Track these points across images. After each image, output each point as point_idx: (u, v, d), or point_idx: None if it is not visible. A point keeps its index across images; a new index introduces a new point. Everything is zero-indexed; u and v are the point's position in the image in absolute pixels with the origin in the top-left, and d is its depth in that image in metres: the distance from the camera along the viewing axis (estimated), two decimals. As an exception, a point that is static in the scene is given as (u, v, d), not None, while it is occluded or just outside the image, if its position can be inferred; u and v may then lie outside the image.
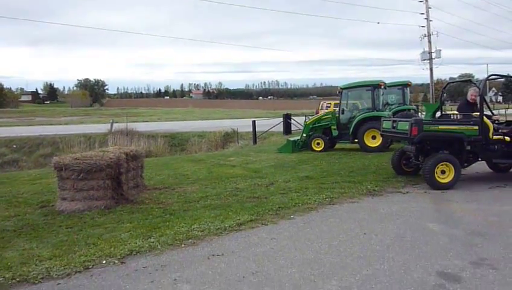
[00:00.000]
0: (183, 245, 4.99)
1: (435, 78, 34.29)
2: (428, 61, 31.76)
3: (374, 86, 13.57)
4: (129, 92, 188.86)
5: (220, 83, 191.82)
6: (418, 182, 8.32)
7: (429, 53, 31.59)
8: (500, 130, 8.25)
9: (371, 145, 13.15)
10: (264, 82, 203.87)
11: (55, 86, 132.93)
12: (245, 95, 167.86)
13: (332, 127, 14.04)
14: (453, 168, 7.71)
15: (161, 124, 32.22)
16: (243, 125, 23.86)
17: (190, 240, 5.13)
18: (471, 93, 8.63)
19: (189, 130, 25.62)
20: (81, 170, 6.76)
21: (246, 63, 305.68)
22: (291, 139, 14.90)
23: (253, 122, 20.79)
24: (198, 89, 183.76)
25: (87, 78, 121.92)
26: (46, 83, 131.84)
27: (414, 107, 16.97)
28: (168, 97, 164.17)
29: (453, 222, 5.74)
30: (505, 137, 8.10)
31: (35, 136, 22.55)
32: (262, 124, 22.11)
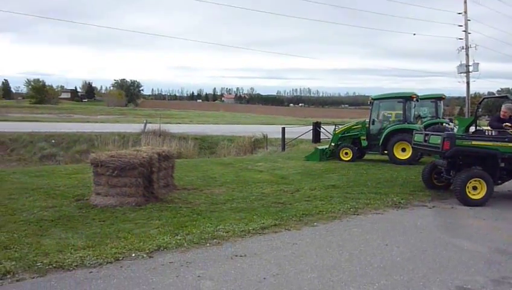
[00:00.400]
0: (208, 244, 5.19)
1: (472, 92, 33.50)
2: (465, 74, 30.98)
3: (406, 98, 13.45)
4: (163, 93, 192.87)
5: (252, 89, 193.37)
6: (446, 197, 8.23)
7: (466, 66, 30.79)
8: None
9: (401, 158, 13.03)
10: (296, 89, 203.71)
11: (93, 85, 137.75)
12: (276, 101, 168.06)
13: (362, 137, 14.00)
14: (485, 184, 7.54)
15: (193, 127, 32.81)
16: (273, 131, 24.02)
17: (215, 240, 5.33)
18: (503, 109, 8.47)
19: (219, 133, 25.99)
20: (116, 167, 7.10)
21: (278, 70, 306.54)
22: (320, 147, 14.95)
23: (283, 129, 20.91)
24: (230, 94, 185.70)
25: (124, 79, 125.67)
26: (85, 81, 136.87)
27: (447, 120, 16.62)
28: (200, 100, 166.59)
29: (477, 238, 5.69)
30: None
31: (72, 132, 23.47)
32: (292, 131, 22.20)
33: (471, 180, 7.55)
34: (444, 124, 15.52)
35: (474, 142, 7.78)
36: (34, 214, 6.43)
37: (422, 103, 16.24)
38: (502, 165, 7.83)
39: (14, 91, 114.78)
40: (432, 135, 8.55)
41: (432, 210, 7.29)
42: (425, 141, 8.62)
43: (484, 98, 11.50)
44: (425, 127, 14.76)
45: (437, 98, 16.60)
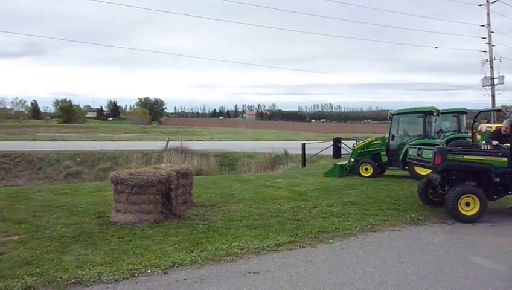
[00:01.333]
0: (222, 261, 5.26)
1: (498, 104, 32.66)
2: (490, 87, 30.36)
3: (426, 113, 13.30)
4: (186, 111, 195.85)
5: (274, 105, 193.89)
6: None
7: (491, 79, 30.18)
8: None
9: (421, 173, 12.78)
10: (317, 104, 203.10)
11: (118, 104, 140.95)
12: (298, 117, 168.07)
13: (382, 153, 13.88)
14: (478, 201, 7.39)
15: (213, 144, 33.14)
16: (294, 147, 24.02)
17: (229, 257, 5.40)
18: (505, 125, 8.33)
19: (240, 150, 26.16)
20: (135, 185, 7.28)
21: (300, 86, 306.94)
22: (339, 163, 14.87)
23: (303, 145, 20.90)
24: (251, 110, 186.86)
25: (147, 97, 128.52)
26: (110, 100, 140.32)
27: (470, 135, 16.29)
28: (222, 117, 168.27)
29: (497, 256, 5.57)
30: None
31: (97, 150, 24.08)
32: (313, 147, 22.16)
33: (463, 196, 7.40)
34: (466, 138, 15.22)
35: (466, 157, 7.63)
36: (56, 231, 6.65)
37: (445, 117, 16.02)
38: (497, 180, 7.65)
39: (42, 111, 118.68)
40: (425, 149, 8.43)
41: (451, 227, 7.16)
42: (418, 155, 8.50)
43: (480, 112, 11.34)
44: (447, 142, 14.54)
45: (459, 112, 16.34)
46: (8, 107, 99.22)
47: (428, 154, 7.95)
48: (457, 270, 4.97)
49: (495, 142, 7.95)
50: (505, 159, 7.48)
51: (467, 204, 7.42)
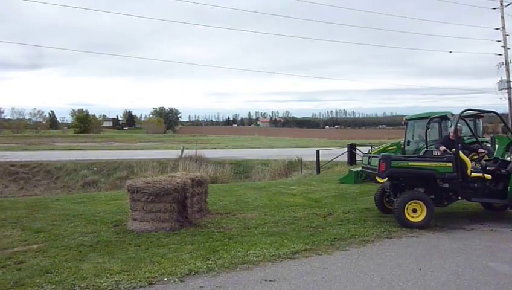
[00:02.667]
0: (238, 269, 5.25)
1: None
2: (506, 90, 29.84)
3: (441, 118, 13.15)
4: (200, 119, 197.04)
5: (287, 112, 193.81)
6: (484, 219, 7.93)
7: (507, 82, 29.63)
8: (487, 168, 7.84)
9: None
10: (331, 111, 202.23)
11: (133, 114, 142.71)
12: (311, 123, 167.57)
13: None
14: (424, 207, 7.31)
15: (228, 151, 33.26)
16: (308, 154, 23.96)
17: (245, 265, 5.39)
18: (451, 130, 8.30)
19: (254, 157, 26.20)
20: (151, 193, 7.34)
21: (313, 92, 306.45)
22: (354, 170, 14.77)
23: (317, 151, 20.82)
24: (265, 118, 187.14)
25: (162, 107, 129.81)
26: (126, 110, 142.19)
27: (487, 139, 16.00)
28: (236, 125, 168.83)
29: (518, 263, 5.44)
30: (485, 175, 7.60)
31: (113, 160, 24.39)
32: (327, 154, 22.06)
33: (410, 203, 7.32)
34: (483, 142, 14.96)
35: (410, 163, 7.58)
36: (74, 240, 6.74)
37: (460, 121, 15.78)
38: (446, 185, 7.58)
39: (60, 121, 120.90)
40: (373, 157, 8.36)
41: (470, 233, 7.04)
42: (368, 163, 8.43)
43: (431, 119, 11.29)
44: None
45: (475, 116, 16.07)
46: (27, 117, 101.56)
47: (375, 162, 7.88)
48: (477, 277, 4.87)
49: (442, 148, 7.96)
50: (450, 164, 7.41)
51: (414, 210, 7.35)
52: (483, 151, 8.72)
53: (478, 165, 8.11)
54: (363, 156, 9.24)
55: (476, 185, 7.62)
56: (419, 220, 7.30)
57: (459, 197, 7.73)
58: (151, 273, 5.00)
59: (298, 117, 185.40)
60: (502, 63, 29.73)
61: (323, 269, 5.23)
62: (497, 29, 30.46)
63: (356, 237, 6.75)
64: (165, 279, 4.87)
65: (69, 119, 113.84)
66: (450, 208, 8.97)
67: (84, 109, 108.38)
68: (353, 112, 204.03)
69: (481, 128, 15.98)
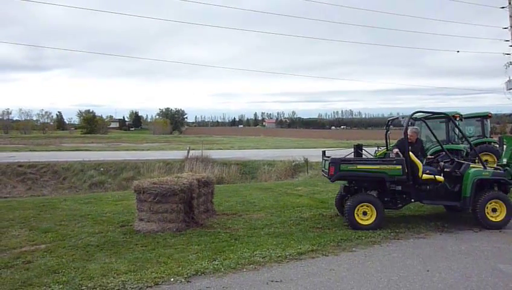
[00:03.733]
0: (244, 269, 5.25)
1: (523, 108, 31.77)
2: (514, 90, 29.58)
3: (449, 118, 13.05)
4: (206, 120, 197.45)
5: (293, 112, 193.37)
6: (493, 220, 7.85)
7: (516, 82, 29.45)
8: (445, 169, 7.82)
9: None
10: (337, 111, 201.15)
11: (139, 114, 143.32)
12: (317, 124, 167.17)
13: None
14: (375, 209, 7.28)
15: (234, 152, 33.24)
16: (314, 155, 23.85)
17: (252, 265, 5.39)
18: (409, 133, 8.24)
19: (260, 158, 26.16)
20: (157, 194, 7.36)
21: (319, 93, 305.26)
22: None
23: (323, 152, 20.76)
24: (271, 118, 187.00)
25: (169, 108, 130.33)
26: (132, 111, 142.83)
27: (494, 139, 15.86)
28: (241, 126, 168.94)
29: (527, 264, 5.39)
30: (436, 177, 7.53)
31: (119, 160, 24.46)
32: (333, 155, 21.96)
33: (360, 205, 7.31)
34: (492, 143, 14.85)
35: (359, 167, 7.54)
36: (81, 240, 6.78)
37: (468, 121, 15.66)
38: (399, 188, 7.51)
39: (67, 122, 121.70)
40: (326, 160, 8.29)
41: (478, 234, 6.99)
42: (324, 166, 8.40)
43: (390, 120, 11.19)
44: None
45: (483, 117, 15.94)
46: (35, 118, 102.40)
47: (327, 165, 7.86)
48: (485, 279, 4.83)
49: (395, 150, 7.92)
50: (399, 167, 7.36)
51: (365, 213, 7.33)
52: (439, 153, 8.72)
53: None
54: (323, 159, 9.12)
55: (428, 187, 7.58)
56: (370, 222, 7.30)
57: (412, 200, 7.70)
58: (158, 274, 5.02)
59: (304, 118, 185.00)
60: (510, 62, 29.48)
61: (330, 270, 5.22)
62: (505, 28, 30.16)
63: (363, 238, 6.72)
64: (172, 279, 4.89)
65: (76, 120, 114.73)
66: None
67: (91, 110, 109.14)
68: (359, 112, 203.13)
69: (489, 129, 15.86)
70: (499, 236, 6.85)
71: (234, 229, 7.47)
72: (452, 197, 7.58)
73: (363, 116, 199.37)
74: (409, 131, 8.27)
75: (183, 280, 4.87)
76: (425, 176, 7.52)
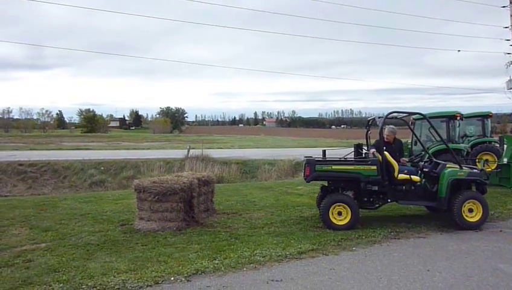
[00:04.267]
0: (245, 269, 5.25)
1: (524, 108, 31.74)
2: (515, 90, 29.54)
3: (449, 117, 13.05)
4: (206, 119, 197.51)
5: (293, 112, 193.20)
6: (493, 220, 7.86)
7: (516, 81, 29.41)
8: (424, 169, 7.85)
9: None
10: (338, 111, 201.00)
11: (140, 113, 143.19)
12: (318, 123, 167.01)
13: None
14: (349, 209, 7.29)
15: (234, 151, 33.24)
16: (314, 154, 23.77)
17: (252, 265, 5.38)
18: (386, 133, 8.29)
19: (260, 157, 26.15)
20: (158, 193, 7.36)
21: (319, 92, 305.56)
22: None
23: (324, 151, 20.76)
24: (271, 117, 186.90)
25: (169, 107, 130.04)
26: (132, 110, 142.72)
27: (495, 139, 15.85)
28: (242, 125, 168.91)
29: (528, 264, 5.38)
30: (412, 177, 7.52)
31: (120, 159, 24.45)
32: (334, 154, 21.90)
33: (334, 206, 7.32)
34: (492, 142, 14.84)
35: (334, 167, 7.57)
36: (81, 239, 6.78)
37: (469, 121, 15.66)
38: (375, 188, 7.52)
39: (67, 121, 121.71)
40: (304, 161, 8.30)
41: (478, 234, 6.98)
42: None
43: (370, 120, 11.15)
44: (472, 147, 14.22)
45: (484, 116, 15.93)
46: (35, 117, 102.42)
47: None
48: (486, 279, 4.83)
49: (372, 150, 7.93)
50: (374, 167, 7.38)
51: (339, 213, 7.34)
52: (420, 153, 8.70)
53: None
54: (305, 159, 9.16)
55: (404, 187, 7.58)
56: (345, 223, 7.29)
57: (389, 200, 7.70)
58: (158, 273, 5.02)
59: (304, 117, 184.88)
60: (511, 62, 29.48)
61: (330, 270, 5.22)
62: (506, 27, 30.13)
63: (363, 237, 6.72)
64: (172, 278, 4.88)
65: (76, 119, 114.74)
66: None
67: (91, 109, 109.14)
68: (360, 111, 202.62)
69: (489, 128, 15.86)
70: (499, 236, 6.85)
71: (234, 228, 7.46)
72: (430, 198, 7.57)
73: (364, 115, 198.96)
74: (385, 131, 8.34)
75: (183, 279, 4.87)
76: (400, 176, 7.54)
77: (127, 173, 22.15)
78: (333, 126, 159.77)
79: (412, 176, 7.52)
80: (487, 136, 15.32)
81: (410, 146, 13.71)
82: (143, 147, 39.55)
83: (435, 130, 8.73)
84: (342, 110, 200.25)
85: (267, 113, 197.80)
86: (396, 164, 7.65)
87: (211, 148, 32.13)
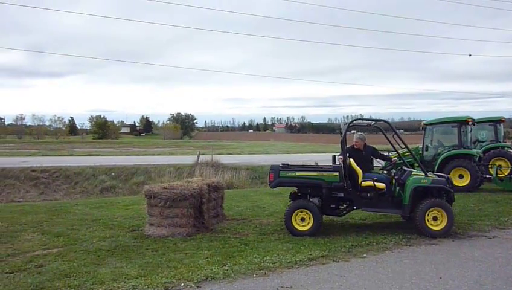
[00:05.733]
0: (254, 275, 5.23)
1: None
2: (528, 95, 29.18)
3: (461, 122, 12.93)
4: (216, 125, 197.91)
5: (303, 117, 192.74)
6: (507, 226, 7.74)
7: (530, 86, 29.05)
8: (395, 177, 7.79)
9: (458, 185, 12.40)
10: (347, 116, 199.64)
11: (150, 119, 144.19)
12: (327, 129, 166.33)
13: (416, 164, 13.51)
14: (311, 215, 7.28)
15: (244, 157, 33.25)
16: (324, 159, 23.74)
17: (262, 271, 5.37)
18: (355, 140, 8.28)
19: (270, 163, 26.07)
20: (168, 199, 7.39)
21: (329, 97, 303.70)
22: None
23: (333, 157, 20.67)
24: (281, 123, 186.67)
25: (179, 113, 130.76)
26: (143, 116, 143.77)
27: (508, 144, 15.63)
28: (251, 131, 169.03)
29: (543, 272, 5.28)
30: (375, 184, 7.41)
31: (130, 165, 24.61)
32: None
33: (297, 212, 7.34)
34: (505, 147, 14.64)
35: (298, 173, 7.61)
36: (92, 244, 6.83)
37: (481, 126, 15.49)
38: (341, 195, 7.50)
39: (79, 127, 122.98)
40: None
41: (492, 241, 6.87)
42: None
43: (351, 121, 10.94)
44: (485, 152, 14.05)
45: (496, 121, 15.73)
46: (47, 124, 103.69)
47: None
48: (500, 287, 4.75)
49: (340, 157, 7.91)
50: (337, 173, 7.38)
51: (302, 219, 7.35)
52: (396, 159, 8.65)
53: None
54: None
55: (368, 194, 7.50)
56: (306, 229, 7.31)
57: (355, 207, 7.65)
58: (168, 279, 5.02)
59: (314, 122, 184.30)
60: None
61: (341, 277, 5.18)
62: (518, 32, 29.81)
63: (374, 244, 6.66)
64: (182, 284, 4.89)
65: (87, 125, 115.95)
66: (471, 214, 8.80)
67: (102, 116, 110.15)
68: (370, 116, 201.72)
69: (502, 133, 15.66)
70: (513, 243, 6.74)
71: (244, 234, 7.46)
72: (396, 206, 7.48)
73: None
74: (354, 138, 8.39)
75: (193, 285, 4.87)
76: (364, 183, 7.50)
77: (137, 178, 22.26)
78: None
79: (376, 183, 7.46)
80: (500, 142, 15.12)
81: (420, 151, 13.59)
82: (153, 153, 39.77)
83: (399, 137, 8.47)
84: (351, 116, 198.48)
85: (277, 118, 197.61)
86: (361, 171, 7.61)
87: (220, 154, 32.17)
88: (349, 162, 7.58)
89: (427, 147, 13.50)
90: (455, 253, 6.17)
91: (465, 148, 12.77)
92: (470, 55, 72.36)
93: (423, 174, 7.47)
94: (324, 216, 7.71)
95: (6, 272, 5.43)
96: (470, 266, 5.53)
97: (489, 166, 13.33)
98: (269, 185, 7.96)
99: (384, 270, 5.39)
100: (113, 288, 4.74)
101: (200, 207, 7.75)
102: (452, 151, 12.84)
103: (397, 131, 8.37)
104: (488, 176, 12.98)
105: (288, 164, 8.26)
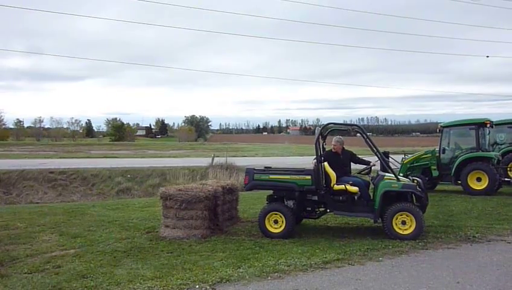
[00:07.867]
0: (269, 278, 5.23)
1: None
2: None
3: (479, 125, 12.71)
4: (230, 127, 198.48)
5: (318, 120, 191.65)
6: (527, 231, 7.57)
7: (550, 87, 28.40)
8: (373, 181, 7.68)
9: (476, 188, 12.21)
10: (363, 118, 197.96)
11: (165, 122, 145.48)
12: (343, 131, 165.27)
13: (432, 167, 13.34)
14: (284, 218, 7.28)
15: (258, 159, 33.23)
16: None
17: (276, 274, 5.36)
18: (333, 143, 8.23)
19: (285, 165, 26.07)
20: (183, 201, 7.45)
21: (344, 100, 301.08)
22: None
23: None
24: (295, 126, 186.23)
25: (194, 115, 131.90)
26: (158, 119, 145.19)
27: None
28: (266, 133, 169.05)
29: None
30: (347, 187, 7.29)
31: (146, 167, 24.84)
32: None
33: (271, 214, 7.42)
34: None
35: (271, 177, 7.62)
36: (109, 245, 6.91)
37: (500, 128, 15.19)
38: (315, 198, 7.46)
39: (95, 130, 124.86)
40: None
41: (511, 245, 6.72)
42: None
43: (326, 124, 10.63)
44: (503, 155, 13.78)
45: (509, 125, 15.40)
46: (65, 126, 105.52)
47: None
48: (520, 292, 4.65)
49: (314, 161, 7.81)
50: (309, 177, 7.37)
51: (276, 221, 7.37)
52: (374, 164, 8.49)
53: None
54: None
55: (341, 198, 7.41)
56: (279, 231, 7.37)
57: (328, 211, 7.68)
58: (183, 280, 5.06)
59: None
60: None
61: (356, 280, 5.13)
62: (537, 32, 29.19)
63: (390, 247, 6.59)
64: (197, 286, 4.91)
65: (104, 128, 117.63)
66: (490, 218, 8.64)
67: (118, 118, 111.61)
68: (385, 119, 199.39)
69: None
70: (533, 247, 6.59)
71: (259, 236, 7.45)
72: (369, 210, 7.37)
73: (389, 123, 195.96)
74: (332, 141, 8.41)
75: (208, 287, 4.89)
76: (336, 186, 7.45)
77: (153, 180, 22.42)
78: (358, 134, 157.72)
79: (348, 187, 7.39)
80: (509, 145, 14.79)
81: (437, 154, 13.40)
82: (169, 155, 40.08)
83: (371, 142, 8.26)
84: (367, 118, 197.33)
85: (291, 121, 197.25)
86: (334, 174, 7.55)
87: (235, 156, 32.22)
88: (324, 166, 7.57)
89: (444, 149, 13.31)
90: (473, 257, 6.07)
91: (483, 151, 12.55)
92: (488, 56, 71.11)
93: (395, 178, 7.38)
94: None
95: (25, 273, 5.54)
96: (488, 271, 5.42)
97: (508, 169, 13.08)
98: (244, 187, 8.11)
99: (400, 275, 5.33)
100: (129, 289, 4.79)
101: (215, 209, 7.79)
102: (470, 154, 12.63)
103: (368, 135, 8.26)
104: (506, 179, 12.74)
105: (271, 167, 8.37)
